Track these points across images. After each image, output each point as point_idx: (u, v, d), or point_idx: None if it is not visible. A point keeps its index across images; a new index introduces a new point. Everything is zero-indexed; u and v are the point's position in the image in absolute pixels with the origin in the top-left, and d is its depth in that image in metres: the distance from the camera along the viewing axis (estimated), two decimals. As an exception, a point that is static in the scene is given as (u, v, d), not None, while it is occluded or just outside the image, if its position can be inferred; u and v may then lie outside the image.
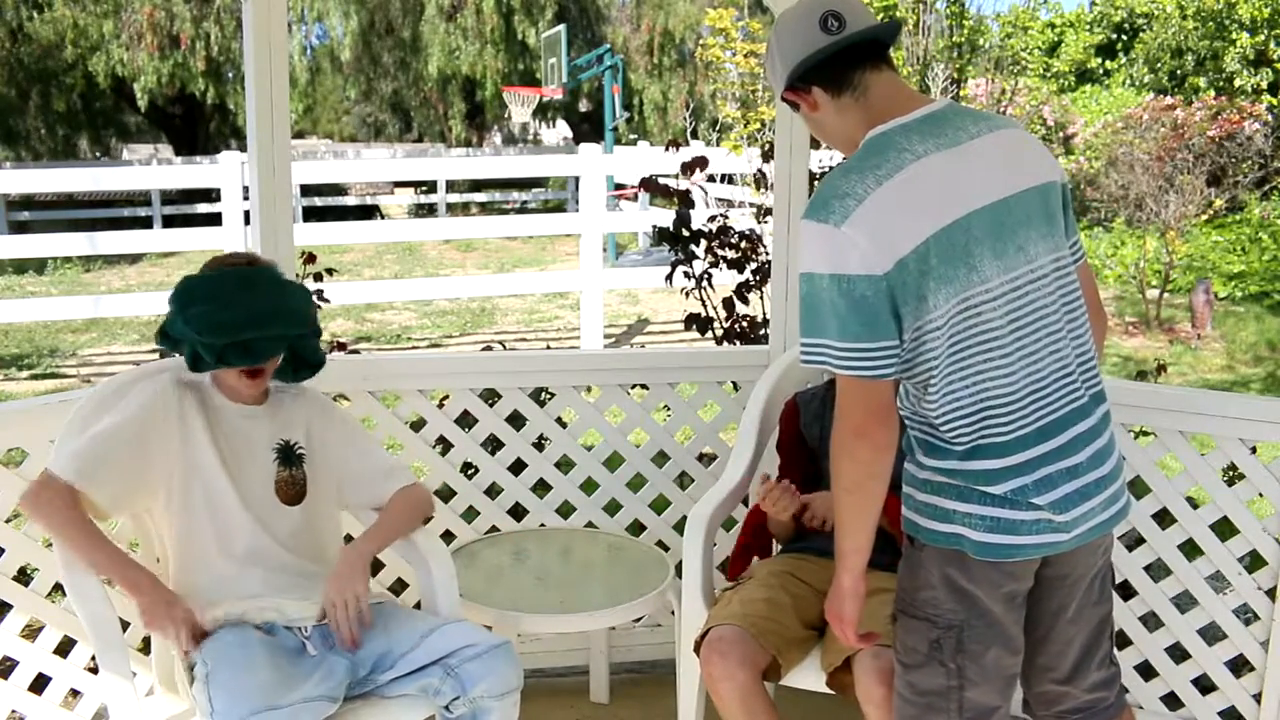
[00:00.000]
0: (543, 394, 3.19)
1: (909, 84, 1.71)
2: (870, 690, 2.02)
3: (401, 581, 2.95)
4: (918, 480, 1.74)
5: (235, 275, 2.19)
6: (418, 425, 2.92)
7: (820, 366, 1.65)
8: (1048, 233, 1.70)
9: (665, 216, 4.44)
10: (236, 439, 2.21)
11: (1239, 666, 2.61)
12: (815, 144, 4.55)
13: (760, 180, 4.19)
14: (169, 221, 14.46)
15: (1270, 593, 2.52)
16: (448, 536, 2.93)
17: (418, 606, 2.31)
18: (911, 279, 1.58)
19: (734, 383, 3.14)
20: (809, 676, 2.21)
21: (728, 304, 4.02)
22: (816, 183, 4.10)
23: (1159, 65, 13.93)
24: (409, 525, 2.33)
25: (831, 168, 1.73)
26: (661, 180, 4.21)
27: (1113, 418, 1.78)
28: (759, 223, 4.17)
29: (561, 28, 14.65)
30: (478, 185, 18.64)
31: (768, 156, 4.04)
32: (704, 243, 4.03)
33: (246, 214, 6.97)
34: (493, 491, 3.01)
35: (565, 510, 3.06)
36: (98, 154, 19.03)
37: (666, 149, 4.40)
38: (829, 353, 1.62)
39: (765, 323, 3.73)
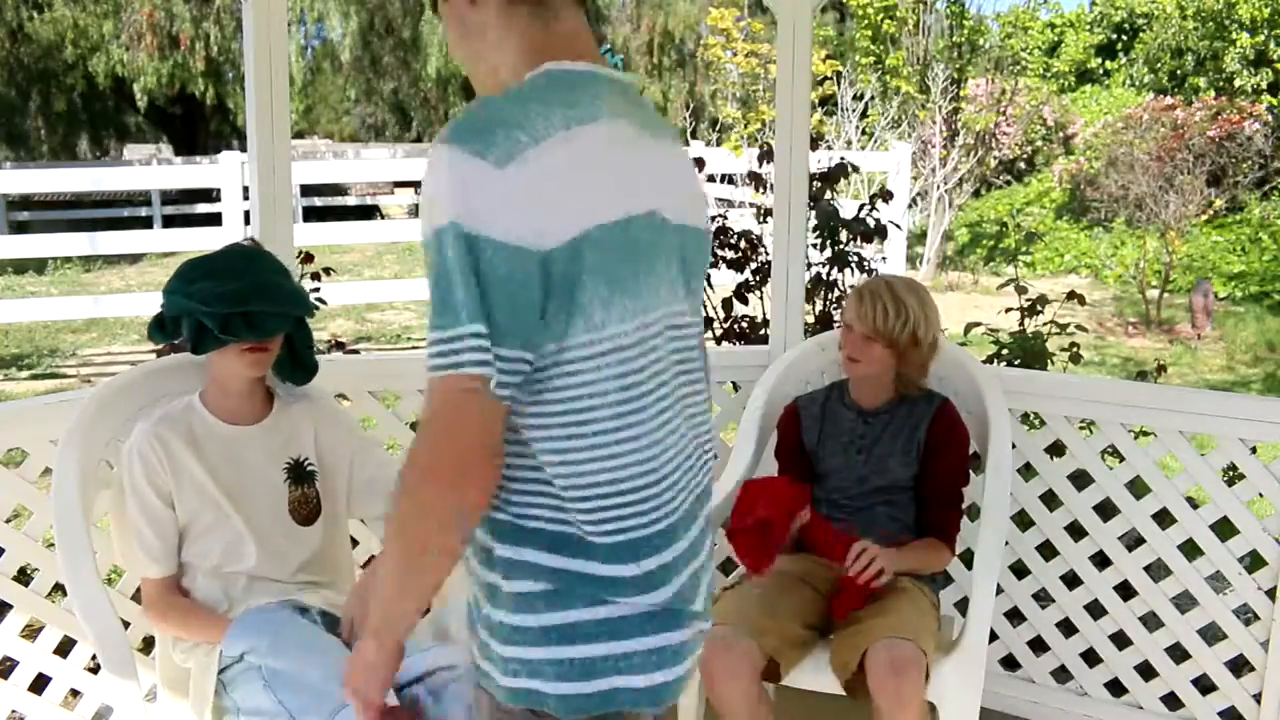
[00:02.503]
0: (543, 394, 3.18)
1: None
2: (883, 681, 2.02)
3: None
4: (506, 627, 1.23)
5: (239, 252, 2.21)
6: (418, 425, 2.92)
7: (448, 370, 1.13)
8: (679, 283, 1.31)
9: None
10: (236, 465, 2.14)
11: (1239, 666, 2.61)
12: (815, 144, 4.57)
13: (757, 181, 4.18)
14: (169, 221, 14.44)
15: (1270, 593, 2.52)
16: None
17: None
18: (575, 268, 1.14)
19: (734, 383, 3.14)
20: (810, 677, 2.21)
21: (727, 304, 4.02)
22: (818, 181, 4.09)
23: (1159, 65, 13.93)
24: None
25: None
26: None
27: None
28: (759, 223, 4.17)
29: (561, 28, 14.63)
30: (478, 185, 18.61)
31: (765, 157, 4.03)
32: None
33: (246, 214, 6.98)
34: (493, 491, 3.00)
35: (565, 510, 3.05)
36: (98, 154, 19.03)
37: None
38: (458, 345, 1.12)
39: (765, 323, 3.73)
